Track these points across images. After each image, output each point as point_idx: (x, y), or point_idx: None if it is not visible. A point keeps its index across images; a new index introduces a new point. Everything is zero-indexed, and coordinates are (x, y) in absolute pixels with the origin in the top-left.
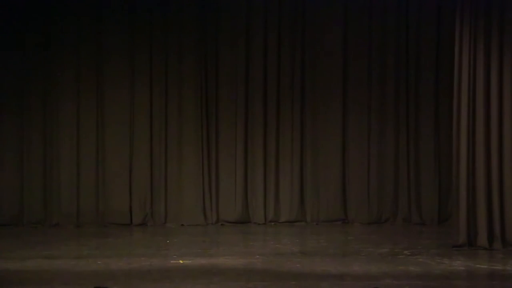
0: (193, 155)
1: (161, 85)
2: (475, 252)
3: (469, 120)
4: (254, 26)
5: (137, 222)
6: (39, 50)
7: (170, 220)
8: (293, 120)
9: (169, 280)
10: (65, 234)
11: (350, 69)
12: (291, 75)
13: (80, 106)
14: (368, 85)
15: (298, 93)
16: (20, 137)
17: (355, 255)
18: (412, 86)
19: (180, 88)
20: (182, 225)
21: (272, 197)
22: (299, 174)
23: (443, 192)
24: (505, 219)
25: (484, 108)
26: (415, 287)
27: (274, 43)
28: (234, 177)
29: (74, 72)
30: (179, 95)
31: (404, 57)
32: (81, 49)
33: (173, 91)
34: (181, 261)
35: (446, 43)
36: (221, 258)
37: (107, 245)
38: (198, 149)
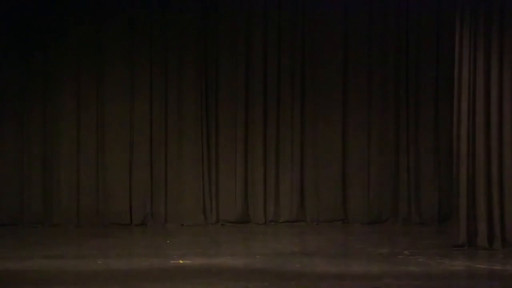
0: (193, 155)
1: (161, 85)
2: (475, 252)
3: (469, 120)
4: (254, 26)
5: (137, 222)
6: (39, 51)
7: (170, 220)
8: (293, 120)
9: (169, 280)
10: (65, 234)
11: (350, 69)
12: (291, 74)
13: (80, 106)
14: (368, 85)
15: (298, 93)
16: (20, 137)
17: (355, 255)
18: (412, 86)
19: (180, 88)
20: (182, 225)
21: (272, 197)
22: (299, 174)
23: (443, 192)
24: (505, 219)
25: (484, 108)
26: (415, 287)
27: (274, 43)
28: (234, 177)
29: (74, 72)
30: (179, 95)
31: (404, 57)
32: (81, 49)
33: (173, 91)
34: (181, 261)
35: (446, 43)
36: (221, 258)
37: (107, 245)
38: (198, 149)
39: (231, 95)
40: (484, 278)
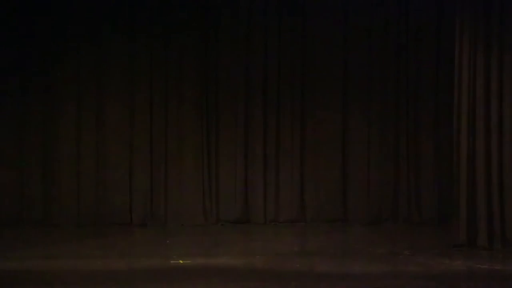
0: (193, 155)
1: (161, 85)
2: (475, 252)
3: (469, 120)
4: (254, 27)
5: (137, 222)
6: (39, 51)
7: (170, 220)
8: (293, 120)
9: (169, 280)
10: (65, 234)
11: (350, 69)
12: (291, 74)
13: (80, 106)
14: (368, 85)
15: (298, 93)
16: (20, 137)
17: (355, 255)
18: (412, 86)
19: (180, 87)
20: (182, 225)
21: (272, 197)
22: (299, 174)
23: (443, 192)
24: (505, 219)
25: (484, 108)
26: (415, 287)
27: (274, 44)
28: (234, 177)
29: (74, 72)
30: (179, 95)
31: (404, 57)
32: (82, 50)
33: (173, 90)
34: (181, 261)
35: (446, 43)
36: (221, 258)
37: (107, 245)
38: (198, 149)
39: (231, 95)
40: (484, 278)
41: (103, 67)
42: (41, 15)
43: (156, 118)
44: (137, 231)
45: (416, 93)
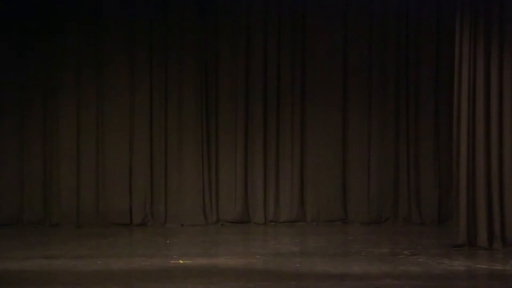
0: (193, 155)
1: (161, 85)
2: (475, 252)
3: (469, 120)
4: (254, 27)
5: (137, 222)
6: (40, 50)
7: (170, 220)
8: (293, 120)
9: (169, 280)
10: (65, 234)
11: (350, 69)
12: (291, 75)
13: (80, 106)
14: (368, 85)
15: (298, 93)
16: (20, 137)
17: (355, 255)
18: (412, 86)
19: (180, 88)
20: (182, 225)
21: (272, 197)
22: (299, 174)
23: (443, 192)
24: (505, 219)
25: (484, 108)
26: (415, 287)
27: (274, 43)
28: (234, 177)
29: (74, 72)
30: (179, 95)
31: (404, 57)
32: (81, 49)
33: (173, 91)
34: (181, 261)
35: (446, 43)
36: (221, 258)
37: (107, 245)
38: (198, 149)
39: (231, 95)
40: (484, 278)
41: (103, 67)
42: (41, 14)
43: (156, 118)
44: (137, 231)
45: (416, 93)
